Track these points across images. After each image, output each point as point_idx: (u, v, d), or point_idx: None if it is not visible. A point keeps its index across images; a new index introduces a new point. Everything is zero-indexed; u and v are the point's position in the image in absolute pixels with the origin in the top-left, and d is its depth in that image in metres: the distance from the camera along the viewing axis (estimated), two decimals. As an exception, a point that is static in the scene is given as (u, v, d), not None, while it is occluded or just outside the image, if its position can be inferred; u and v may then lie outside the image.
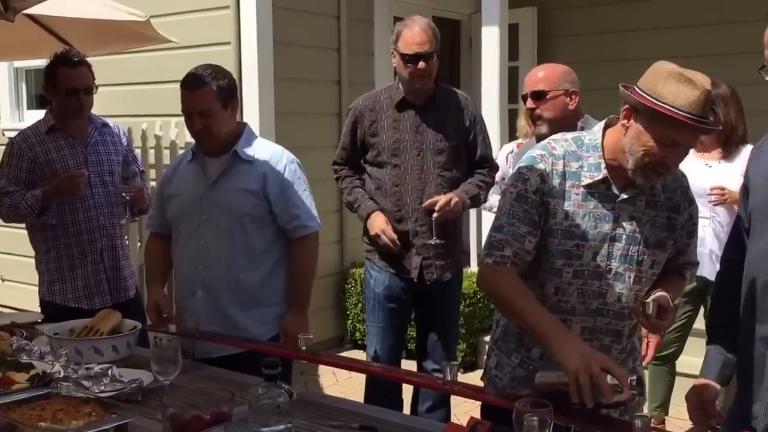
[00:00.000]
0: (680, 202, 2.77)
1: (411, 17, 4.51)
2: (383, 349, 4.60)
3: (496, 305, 2.95)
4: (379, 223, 4.37)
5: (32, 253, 4.59)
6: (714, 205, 4.82)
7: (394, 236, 4.34)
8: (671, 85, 2.46)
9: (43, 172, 4.37)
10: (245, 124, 3.91)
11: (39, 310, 4.50)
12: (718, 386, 2.66)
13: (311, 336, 3.13)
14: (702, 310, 5.04)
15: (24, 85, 8.59)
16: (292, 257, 3.82)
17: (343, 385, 6.09)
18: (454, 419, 4.76)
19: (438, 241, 4.33)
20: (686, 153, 2.58)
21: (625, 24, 7.79)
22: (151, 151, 6.75)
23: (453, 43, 9.18)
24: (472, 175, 4.50)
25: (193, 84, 3.66)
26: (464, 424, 2.41)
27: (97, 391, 2.74)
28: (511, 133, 6.57)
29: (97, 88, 4.47)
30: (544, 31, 8.51)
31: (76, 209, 4.39)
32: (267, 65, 6.64)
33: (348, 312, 7.31)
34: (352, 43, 7.26)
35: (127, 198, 4.38)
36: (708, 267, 4.68)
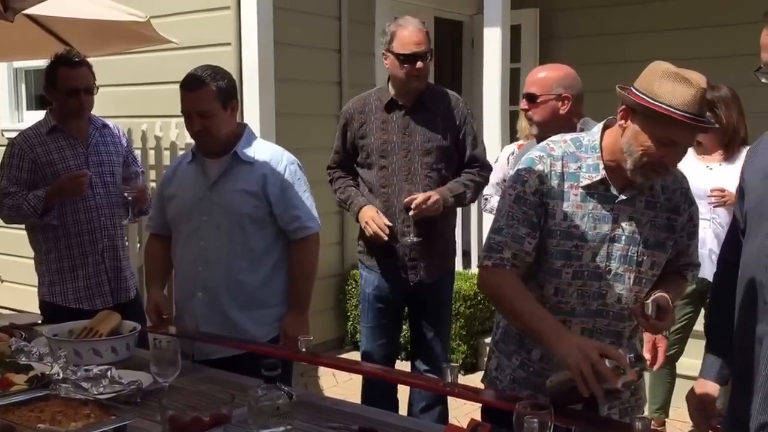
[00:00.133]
0: (680, 203, 2.77)
1: (403, 17, 4.52)
2: (374, 349, 4.63)
3: (497, 307, 2.95)
4: (369, 213, 4.37)
5: (31, 254, 4.58)
6: (714, 206, 4.82)
7: (383, 223, 4.31)
8: (667, 84, 2.47)
9: (44, 173, 4.36)
10: (245, 125, 3.91)
11: (38, 311, 4.50)
12: (717, 386, 2.68)
13: (311, 337, 3.13)
14: (703, 311, 5.03)
15: (23, 86, 8.59)
16: (292, 258, 3.81)
17: (343, 386, 6.08)
18: (454, 421, 4.75)
19: (415, 239, 4.34)
20: (684, 152, 2.59)
21: (627, 26, 7.79)
22: (151, 152, 6.75)
23: (454, 44, 9.17)
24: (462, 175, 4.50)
25: (193, 85, 3.65)
26: (464, 426, 2.40)
27: (96, 392, 2.73)
28: (512, 135, 6.56)
29: (97, 88, 4.47)
30: (546, 32, 8.50)
31: (77, 210, 4.38)
32: (267, 66, 6.63)
33: (348, 314, 7.30)
34: (353, 44, 7.25)
35: (130, 198, 4.38)
36: (708, 269, 4.65)
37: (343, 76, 7.26)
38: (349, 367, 3.88)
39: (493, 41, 6.71)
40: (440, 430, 2.66)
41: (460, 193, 4.40)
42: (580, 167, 2.70)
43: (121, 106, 6.83)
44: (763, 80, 2.45)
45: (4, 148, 4.58)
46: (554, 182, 2.69)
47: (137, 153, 5.38)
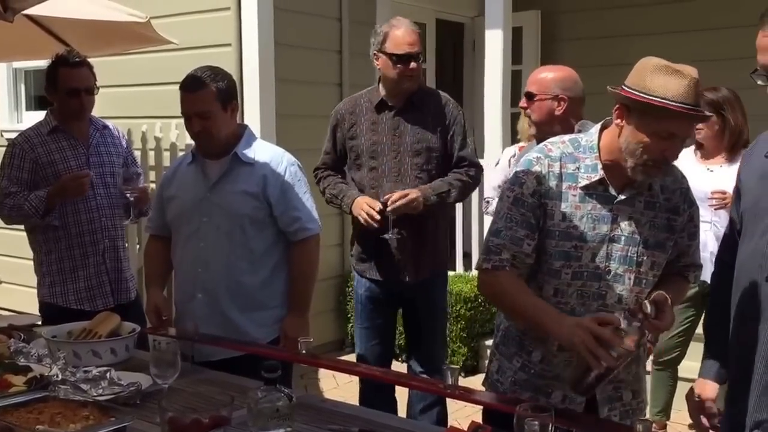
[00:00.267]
0: (679, 204, 2.77)
1: (395, 18, 4.54)
2: (368, 349, 4.63)
3: (498, 307, 2.95)
4: (364, 200, 4.34)
5: (30, 255, 4.57)
6: (715, 209, 4.80)
7: (377, 206, 4.28)
8: (659, 78, 2.49)
9: (45, 173, 4.36)
10: (245, 126, 3.90)
11: (37, 312, 4.49)
12: (716, 386, 2.71)
13: (311, 339, 3.12)
14: (704, 314, 5.02)
15: (23, 86, 8.57)
16: (292, 260, 3.80)
17: (344, 388, 6.07)
18: (454, 423, 4.74)
19: (393, 236, 4.32)
20: (683, 144, 2.59)
21: (629, 28, 7.78)
22: (151, 153, 6.74)
23: (456, 46, 9.17)
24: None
25: (192, 86, 3.65)
26: (465, 429, 2.39)
27: (95, 394, 2.72)
28: (514, 137, 6.55)
29: (98, 89, 4.47)
30: (548, 34, 8.49)
31: (78, 210, 4.37)
32: (268, 67, 6.63)
33: (348, 315, 7.28)
34: (354, 45, 7.24)
35: (131, 199, 4.37)
36: (710, 272, 4.64)
37: (343, 77, 7.26)
38: (349, 369, 3.87)
39: (494, 43, 6.70)
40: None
41: (444, 192, 4.37)
42: (578, 168, 2.70)
43: (121, 106, 6.82)
44: (760, 82, 2.47)
45: (3, 149, 4.57)
46: (552, 183, 2.69)
47: (137, 154, 5.37)
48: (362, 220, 4.30)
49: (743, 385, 2.50)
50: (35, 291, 4.57)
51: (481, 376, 6.43)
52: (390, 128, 4.41)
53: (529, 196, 2.68)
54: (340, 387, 6.24)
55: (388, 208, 4.24)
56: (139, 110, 7.02)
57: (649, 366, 4.34)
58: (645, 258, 2.72)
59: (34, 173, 4.36)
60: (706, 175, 4.86)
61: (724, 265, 2.69)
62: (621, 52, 7.63)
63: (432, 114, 4.43)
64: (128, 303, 4.52)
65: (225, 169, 3.73)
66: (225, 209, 3.70)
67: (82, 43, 5.19)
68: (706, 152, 4.98)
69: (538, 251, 2.70)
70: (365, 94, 4.58)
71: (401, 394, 4.64)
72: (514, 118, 6.79)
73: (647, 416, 4.44)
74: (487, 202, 5.05)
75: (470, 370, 6.66)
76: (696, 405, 2.74)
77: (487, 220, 6.36)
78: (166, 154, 6.70)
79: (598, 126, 2.77)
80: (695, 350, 4.96)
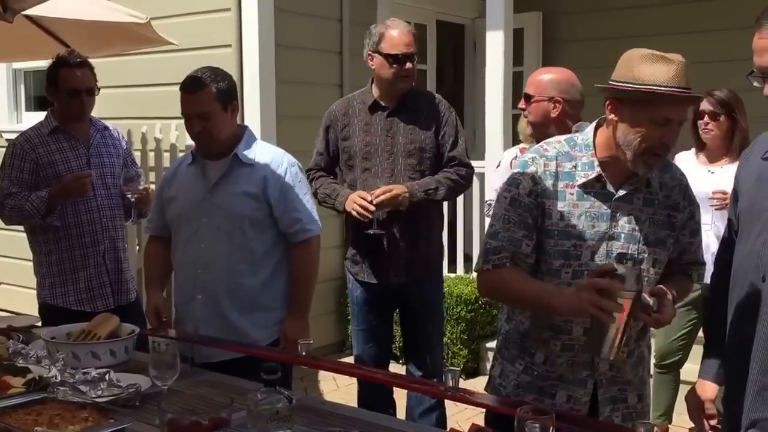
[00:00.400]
0: (679, 200, 2.77)
1: (390, 19, 4.58)
2: (365, 351, 4.65)
3: (503, 301, 2.93)
4: (353, 197, 4.34)
5: (29, 256, 4.56)
6: (716, 209, 4.79)
7: (367, 196, 4.28)
8: (647, 66, 2.51)
9: (45, 174, 4.35)
10: (245, 127, 3.90)
11: (36, 313, 4.47)
12: (716, 386, 2.73)
13: (311, 341, 3.10)
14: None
15: (22, 87, 8.56)
16: (292, 261, 3.79)
17: (344, 391, 6.06)
18: (455, 426, 4.73)
19: (377, 232, 4.33)
20: (679, 129, 2.59)
21: (630, 30, 7.76)
22: (151, 154, 6.73)
23: (456, 47, 9.17)
24: None
25: (192, 87, 3.64)
26: (465, 431, 2.37)
27: (94, 395, 2.71)
28: (515, 138, 6.54)
29: (99, 89, 4.46)
30: (549, 36, 8.49)
31: (78, 211, 4.37)
32: (268, 68, 6.62)
33: (349, 317, 7.21)
34: (355, 46, 7.20)
35: (132, 200, 4.36)
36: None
37: (344, 78, 7.25)
38: (349, 371, 3.86)
39: (495, 45, 6.69)
40: (441, 434, 2.64)
41: (431, 189, 4.38)
42: (575, 166, 2.71)
43: (121, 107, 6.81)
44: (756, 84, 2.49)
45: (3, 149, 4.56)
46: (548, 182, 2.69)
47: (137, 155, 5.36)
48: (355, 214, 4.31)
49: (740, 386, 2.52)
50: (34, 292, 4.56)
51: (481, 378, 6.44)
52: (383, 129, 4.43)
53: (526, 196, 2.68)
54: (340, 389, 6.23)
55: (374, 202, 4.26)
56: (139, 111, 7.01)
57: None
58: (646, 255, 2.71)
59: (34, 174, 4.35)
60: (707, 177, 4.86)
61: (725, 266, 2.70)
62: (622, 53, 7.65)
63: (425, 114, 4.45)
64: (128, 304, 4.52)
65: (225, 170, 3.72)
66: (225, 210, 3.70)
67: (82, 43, 5.18)
68: (710, 153, 4.98)
69: (538, 251, 2.70)
70: (358, 96, 4.59)
71: (400, 397, 4.63)
72: (515, 120, 6.79)
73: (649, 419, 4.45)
74: (489, 205, 5.04)
75: (471, 373, 6.65)
76: (695, 405, 2.77)
77: (489, 223, 6.36)
78: (166, 155, 6.69)
79: (593, 124, 2.78)
80: (698, 353, 4.95)
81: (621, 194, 2.68)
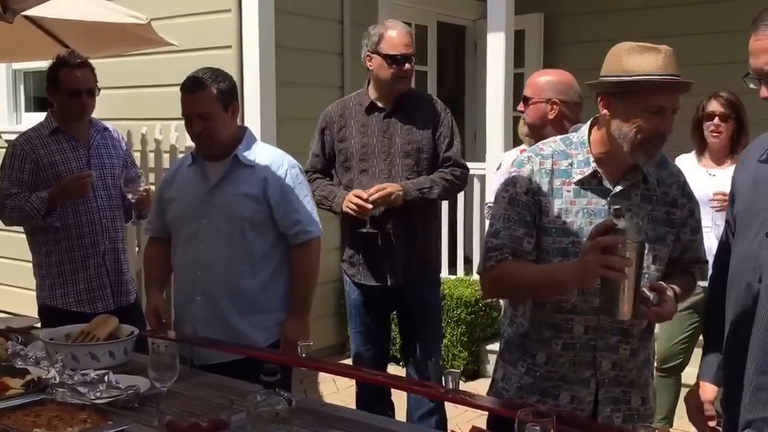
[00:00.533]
0: (677, 197, 2.78)
1: (388, 20, 4.61)
2: (363, 353, 4.64)
3: (510, 293, 2.89)
4: (349, 196, 4.34)
5: (28, 257, 4.55)
6: (716, 211, 4.78)
7: (362, 194, 4.29)
8: (635, 58, 2.54)
9: (46, 174, 4.35)
10: (246, 128, 3.89)
11: (35, 314, 4.47)
12: (715, 387, 2.75)
13: (311, 343, 3.09)
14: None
15: (22, 88, 8.56)
16: (293, 263, 3.79)
17: (344, 393, 6.05)
18: (455, 428, 4.73)
19: (370, 231, 4.34)
20: (673, 117, 2.60)
21: (631, 32, 7.68)
22: (151, 155, 6.72)
23: (457, 49, 9.16)
24: None
25: (193, 87, 3.64)
26: (466, 434, 2.37)
27: (93, 397, 2.71)
28: (516, 140, 6.54)
29: (99, 90, 4.46)
30: (550, 38, 8.49)
31: (78, 212, 4.36)
32: (269, 69, 6.61)
33: (349, 319, 7.27)
34: (355, 47, 7.16)
35: (133, 201, 4.35)
36: (714, 275, 4.64)
37: (345, 79, 7.25)
38: (349, 373, 3.86)
39: (496, 46, 6.67)
40: (441, 436, 2.63)
41: (426, 188, 4.39)
42: (571, 164, 2.72)
43: (121, 108, 6.80)
44: (752, 86, 2.51)
45: (3, 150, 4.56)
46: (544, 179, 2.70)
47: (136, 156, 5.36)
48: (351, 212, 4.32)
49: (738, 387, 2.53)
50: (33, 293, 4.55)
51: (481, 381, 6.44)
52: (380, 130, 4.44)
53: (523, 195, 2.70)
54: (339, 391, 6.22)
55: (369, 200, 4.27)
56: (138, 112, 7.00)
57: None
58: (645, 252, 2.70)
59: (35, 174, 4.35)
60: (707, 180, 4.85)
61: (723, 268, 2.71)
62: (623, 55, 7.66)
63: (421, 115, 4.47)
64: (128, 305, 4.51)
65: (225, 171, 3.71)
66: (225, 211, 3.69)
67: (82, 44, 5.18)
68: (715, 155, 4.97)
69: (537, 249, 2.70)
70: (354, 97, 4.60)
71: (398, 399, 4.62)
72: (516, 122, 6.79)
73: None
74: (489, 207, 5.04)
75: (471, 375, 6.63)
76: (694, 407, 2.80)
77: (489, 223, 6.35)
78: (166, 156, 6.68)
79: (588, 123, 2.79)
80: (699, 357, 4.96)
81: (618, 190, 2.68)
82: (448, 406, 4.59)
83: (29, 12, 4.34)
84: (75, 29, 5.25)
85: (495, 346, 6.38)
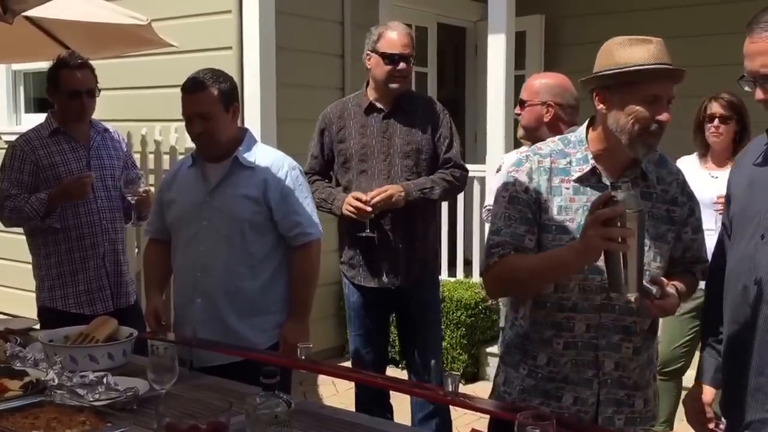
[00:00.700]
0: (677, 195, 2.78)
1: (391, 21, 4.63)
2: (363, 356, 4.64)
3: (515, 288, 2.83)
4: (349, 199, 4.34)
5: (27, 258, 4.55)
6: (720, 213, 4.77)
7: (362, 196, 4.29)
8: (626, 51, 2.57)
9: (45, 176, 4.34)
10: (246, 130, 3.89)
11: (34, 316, 4.46)
12: (713, 390, 2.76)
13: (311, 345, 3.09)
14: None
15: (22, 89, 8.56)
16: (292, 265, 3.78)
17: (343, 395, 6.04)
18: (456, 431, 4.72)
19: (369, 234, 4.35)
20: (669, 105, 2.60)
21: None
22: (151, 156, 6.71)
23: (458, 50, 9.16)
24: None
25: (194, 87, 3.64)
26: (466, 437, 2.36)
27: (91, 399, 2.71)
28: (516, 142, 6.53)
29: (99, 91, 4.45)
30: (551, 39, 8.48)
31: (78, 213, 4.35)
32: (269, 70, 6.60)
33: (348, 321, 7.27)
34: (356, 49, 7.19)
35: (133, 202, 4.34)
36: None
37: (345, 81, 7.26)
38: (348, 375, 3.85)
39: (497, 48, 6.66)
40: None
41: (427, 188, 4.40)
42: (569, 162, 2.73)
43: (121, 109, 6.80)
44: (746, 88, 2.53)
45: (3, 151, 4.55)
46: (543, 178, 2.71)
47: (136, 157, 5.36)
48: (352, 215, 4.31)
49: (736, 389, 2.54)
50: (32, 295, 4.55)
51: (481, 383, 6.43)
52: (379, 131, 4.44)
53: (523, 193, 2.70)
54: (339, 393, 6.22)
55: (370, 203, 4.27)
56: (138, 113, 6.99)
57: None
58: (646, 249, 2.69)
59: (34, 175, 4.34)
60: (709, 182, 4.83)
61: (719, 271, 2.72)
62: (624, 57, 7.65)
63: (420, 116, 4.47)
64: (128, 307, 4.51)
65: (225, 173, 3.71)
66: (225, 213, 3.68)
67: (82, 45, 5.18)
68: (716, 157, 4.96)
69: (537, 247, 2.69)
70: (353, 98, 4.61)
71: (402, 402, 4.61)
72: (517, 124, 6.78)
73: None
74: (488, 209, 5.03)
75: (470, 378, 6.62)
76: (693, 409, 2.82)
77: (490, 222, 6.34)
78: (166, 158, 6.67)
79: (585, 123, 2.80)
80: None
81: (618, 186, 2.67)
82: (450, 409, 4.58)
83: (29, 13, 4.33)
84: (75, 30, 5.24)
85: (495, 349, 6.37)
